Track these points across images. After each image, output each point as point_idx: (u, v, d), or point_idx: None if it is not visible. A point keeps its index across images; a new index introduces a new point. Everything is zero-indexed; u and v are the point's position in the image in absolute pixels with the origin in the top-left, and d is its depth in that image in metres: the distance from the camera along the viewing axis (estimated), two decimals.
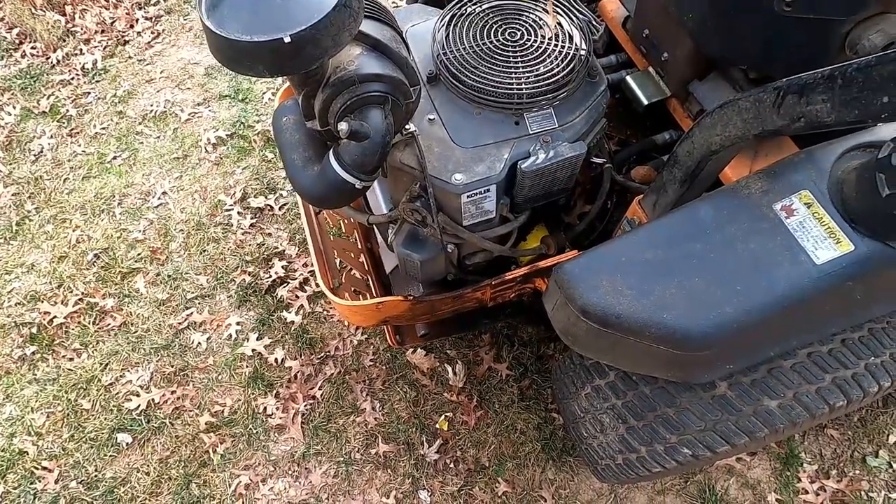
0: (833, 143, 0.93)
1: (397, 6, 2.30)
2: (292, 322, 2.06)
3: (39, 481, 1.80)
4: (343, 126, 0.82)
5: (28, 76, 2.71)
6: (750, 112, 0.82)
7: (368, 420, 1.90)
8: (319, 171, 0.91)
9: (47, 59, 2.76)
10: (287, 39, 0.66)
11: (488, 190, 1.11)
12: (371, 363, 2.00)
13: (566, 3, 1.25)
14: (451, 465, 1.84)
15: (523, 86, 1.11)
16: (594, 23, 1.63)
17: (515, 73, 1.13)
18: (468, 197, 1.10)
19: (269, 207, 2.31)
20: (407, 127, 1.07)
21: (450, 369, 1.96)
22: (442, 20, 1.22)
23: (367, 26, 0.85)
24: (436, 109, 1.16)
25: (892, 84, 0.58)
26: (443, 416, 1.90)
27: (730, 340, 0.92)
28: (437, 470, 1.83)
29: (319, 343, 2.04)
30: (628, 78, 1.51)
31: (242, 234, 2.25)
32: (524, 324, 2.00)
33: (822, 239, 0.87)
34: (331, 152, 0.90)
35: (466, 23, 1.20)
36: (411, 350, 1.99)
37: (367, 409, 1.91)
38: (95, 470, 1.83)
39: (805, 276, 0.86)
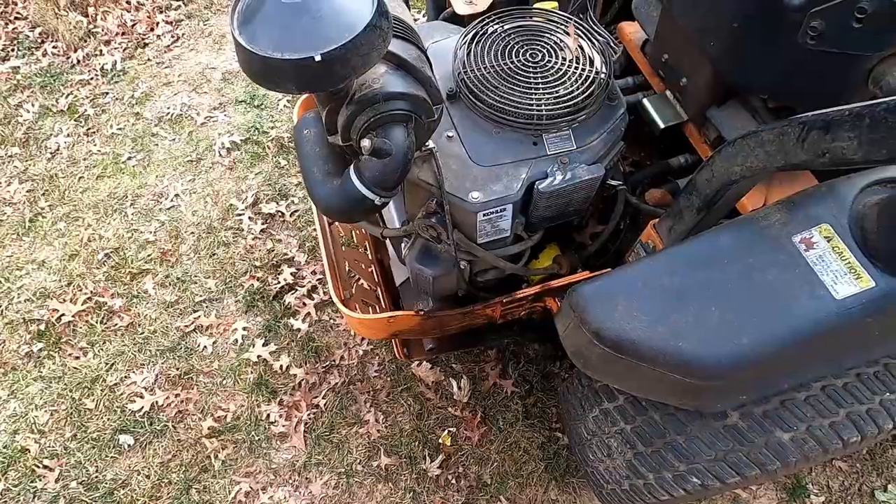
0: (854, 177, 0.93)
1: (416, 20, 2.33)
2: (299, 329, 2.06)
3: (40, 480, 1.80)
4: (366, 143, 0.83)
5: (48, 75, 2.74)
6: (773, 144, 0.82)
7: (371, 432, 1.89)
8: (339, 186, 0.92)
9: (68, 58, 2.79)
10: (318, 58, 0.67)
11: (504, 209, 1.11)
12: (376, 374, 1.99)
13: (587, 27, 1.26)
14: (453, 481, 1.82)
15: (543, 107, 1.11)
16: (612, 44, 1.64)
17: (535, 94, 1.13)
18: (484, 215, 1.11)
19: (280, 214, 2.32)
20: (427, 144, 1.08)
21: (455, 384, 1.95)
22: (464, 38, 1.23)
23: (394, 45, 0.86)
24: (455, 127, 1.16)
25: None
26: (446, 431, 1.89)
27: (745, 371, 0.91)
28: (439, 485, 1.82)
29: (325, 352, 2.03)
30: (645, 101, 1.51)
31: (253, 239, 2.26)
32: (531, 341, 1.99)
33: (842, 274, 0.86)
34: (352, 168, 0.90)
35: (488, 42, 1.21)
36: (416, 363, 1.98)
37: (370, 421, 1.90)
38: (96, 471, 1.82)
39: (824, 310, 0.85)
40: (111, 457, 1.84)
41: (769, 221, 0.93)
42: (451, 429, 1.90)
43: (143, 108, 2.64)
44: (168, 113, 2.62)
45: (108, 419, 1.90)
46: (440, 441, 1.88)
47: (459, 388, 1.95)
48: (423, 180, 1.11)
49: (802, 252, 0.90)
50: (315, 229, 1.81)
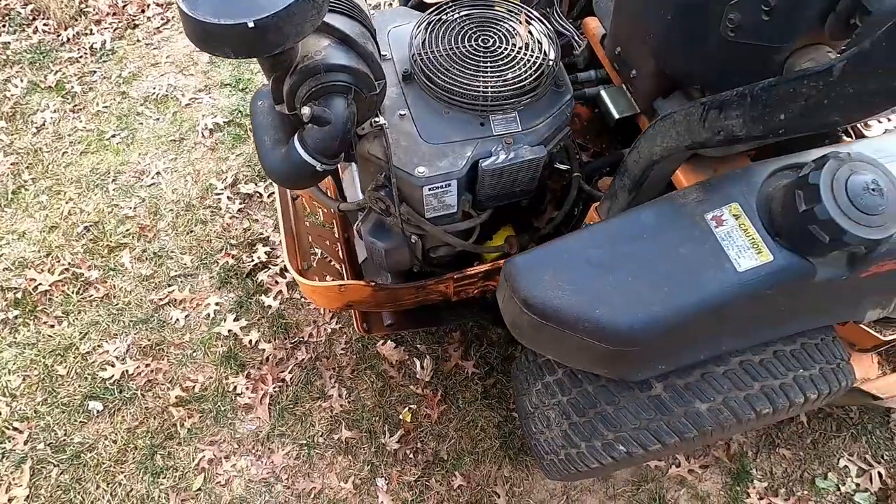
0: (767, 162, 1.00)
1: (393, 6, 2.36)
2: (270, 306, 2.12)
3: (9, 441, 1.85)
4: (306, 110, 0.89)
5: (38, 51, 2.79)
6: (682, 125, 0.88)
7: (334, 406, 1.95)
8: (285, 153, 0.98)
9: (58, 36, 2.84)
10: (251, 25, 0.73)
11: (449, 185, 1.18)
12: (342, 351, 2.05)
13: (538, 16, 1.32)
14: (411, 456, 1.89)
15: (490, 89, 1.18)
16: (577, 38, 1.71)
17: (484, 76, 1.20)
18: (430, 190, 1.17)
19: (258, 194, 2.38)
20: (377, 119, 1.14)
21: (418, 363, 2.02)
22: (422, 23, 1.30)
23: (338, 20, 0.92)
24: (408, 106, 1.23)
25: (787, 103, 0.64)
26: (407, 408, 1.95)
27: (658, 338, 0.97)
28: (397, 459, 1.88)
29: (294, 328, 2.09)
30: (602, 92, 1.57)
31: (230, 218, 2.32)
32: (492, 324, 2.05)
33: (745, 248, 0.93)
34: (296, 135, 0.97)
35: (443, 28, 1.27)
36: (381, 342, 2.05)
37: (333, 396, 1.96)
38: (65, 434, 1.88)
39: (727, 281, 0.92)
40: (80, 421, 1.90)
41: (686, 200, 1.00)
42: (411, 406, 1.96)
43: (130, 88, 2.69)
44: (154, 93, 2.67)
45: (79, 385, 1.96)
46: (401, 417, 1.94)
47: (422, 367, 2.01)
48: (373, 154, 1.17)
49: (713, 228, 0.96)
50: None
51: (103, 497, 1.79)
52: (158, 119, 2.60)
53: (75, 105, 2.63)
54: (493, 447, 1.90)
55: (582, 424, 1.27)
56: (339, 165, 1.47)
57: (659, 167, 1.02)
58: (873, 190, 0.84)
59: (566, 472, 1.39)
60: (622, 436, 1.20)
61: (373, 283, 1.30)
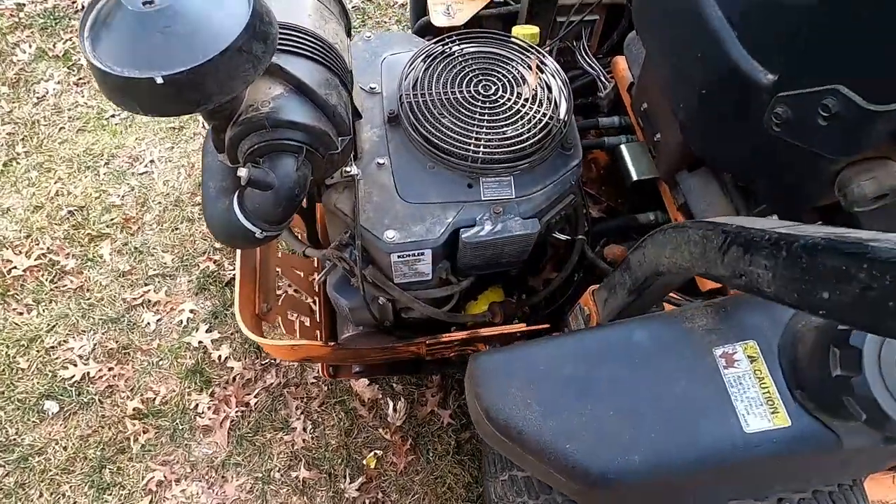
0: None
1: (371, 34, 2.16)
2: None
3: None
4: (243, 172, 0.73)
5: (51, 17, 2.70)
6: (698, 247, 0.70)
7: (296, 440, 1.82)
8: (225, 210, 0.83)
9: (74, 2, 2.74)
10: (159, 80, 0.58)
11: (423, 253, 1.01)
12: (313, 381, 1.92)
13: (555, 62, 1.14)
14: None
15: (482, 148, 1.01)
16: (603, 79, 1.52)
17: (478, 131, 1.02)
18: (399, 257, 1.01)
19: None
20: (347, 169, 0.98)
21: (391, 404, 1.87)
22: (419, 56, 1.13)
23: (296, 65, 0.76)
24: (388, 154, 1.06)
25: (834, 281, 0.47)
26: (372, 453, 1.82)
27: (637, 489, 0.80)
28: None
29: None
30: (623, 147, 1.39)
31: None
32: None
33: (757, 403, 0.75)
34: (235, 195, 0.82)
35: (442, 65, 1.10)
36: (355, 378, 1.91)
37: (297, 429, 1.84)
38: (16, 433, 1.80)
39: (728, 441, 0.74)
40: (33, 421, 1.82)
41: (693, 324, 0.82)
42: (378, 451, 1.82)
43: None
44: None
45: (38, 382, 1.87)
46: (364, 462, 1.81)
47: (395, 410, 1.87)
48: (339, 209, 1.02)
49: (721, 368, 0.78)
50: None
51: None
52: None
53: (80, 78, 2.53)
54: None
55: None
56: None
57: (665, 279, 0.84)
58: None
59: None
60: None
61: (331, 344, 1.15)
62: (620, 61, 1.50)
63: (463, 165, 1.02)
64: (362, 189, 1.02)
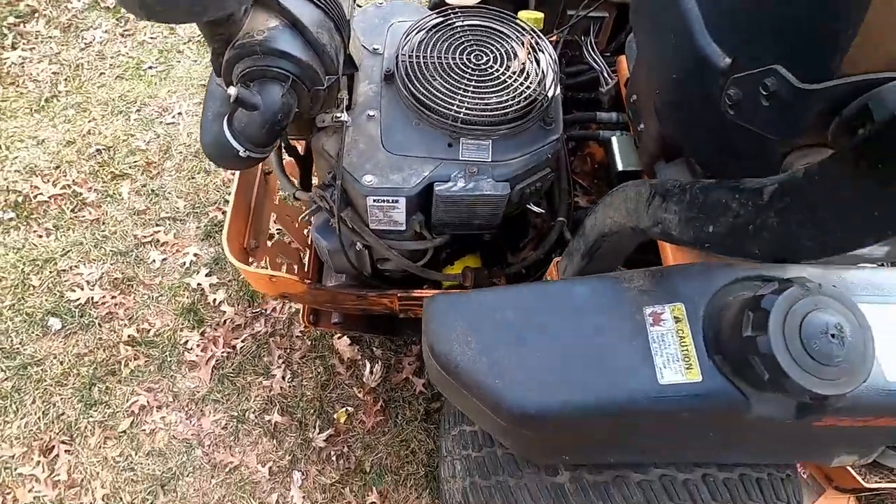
0: (734, 266, 0.86)
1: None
2: None
3: None
4: (232, 90, 0.82)
5: None
6: (631, 202, 0.76)
7: (274, 387, 1.91)
8: (218, 130, 0.92)
9: None
10: None
11: (397, 201, 1.09)
12: (299, 335, 2.01)
13: (551, 48, 1.20)
14: (334, 459, 1.83)
15: (464, 109, 1.08)
16: (606, 75, 1.57)
17: (463, 94, 1.09)
18: (374, 201, 1.08)
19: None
20: (339, 115, 1.06)
21: (368, 366, 1.95)
22: (425, 24, 1.21)
23: (295, 4, 0.85)
24: (380, 108, 1.14)
25: (717, 215, 0.51)
26: (344, 409, 1.89)
27: (555, 429, 0.86)
28: (320, 458, 1.82)
29: (260, 299, 2.07)
30: (614, 139, 1.44)
31: (232, 173, 2.31)
32: None
33: (675, 359, 0.80)
34: (227, 114, 0.90)
35: (440, 34, 1.18)
36: (339, 336, 1.99)
37: (276, 376, 1.92)
38: (20, 342, 1.92)
39: (642, 390, 0.79)
40: (36, 335, 1.94)
41: (630, 285, 0.87)
42: (349, 408, 1.90)
43: (179, 26, 2.72)
44: (199, 36, 2.69)
45: (46, 300, 2.00)
46: (335, 416, 1.88)
47: (371, 372, 1.94)
48: (326, 151, 1.10)
49: (648, 325, 0.83)
50: None
51: (35, 413, 1.82)
52: (196, 61, 2.62)
53: (125, 30, 2.69)
54: (418, 473, 1.82)
55: (481, 488, 1.16)
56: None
57: (611, 241, 0.89)
58: (833, 336, 0.70)
59: None
60: None
61: (307, 281, 1.23)
62: (623, 60, 1.55)
63: (445, 124, 1.09)
64: (350, 136, 1.10)
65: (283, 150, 1.30)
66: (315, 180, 1.41)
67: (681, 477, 1.01)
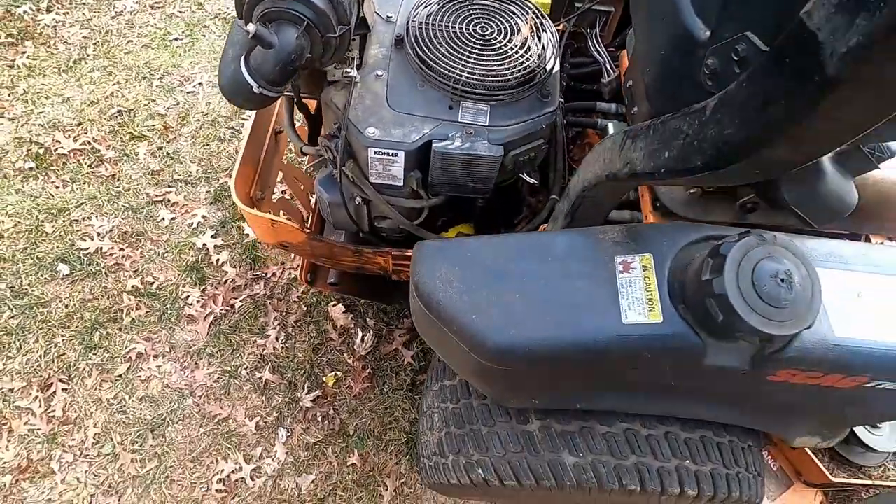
0: (701, 226, 0.92)
1: None
2: (248, 235, 2.17)
3: None
4: (251, 27, 0.90)
5: None
6: (608, 152, 0.82)
7: (267, 346, 1.97)
8: (236, 67, 1.00)
9: None
10: None
11: (396, 154, 1.16)
12: (296, 300, 2.08)
13: (554, 28, 1.27)
14: (319, 419, 1.88)
15: (465, 73, 1.15)
16: (608, 67, 1.64)
17: (466, 60, 1.17)
18: (375, 153, 1.15)
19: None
20: (348, 71, 1.14)
21: (360, 335, 2.01)
22: None
23: None
24: (388, 70, 1.22)
25: (672, 140, 0.57)
26: (333, 373, 1.95)
27: (524, 365, 0.91)
28: (305, 417, 1.88)
29: (261, 263, 2.14)
30: (610, 125, 1.50)
31: None
32: None
33: (639, 303, 0.86)
34: (245, 52, 0.98)
35: (450, 6, 1.25)
36: (334, 302, 2.05)
37: (270, 336, 1.99)
38: (28, 284, 2.00)
39: (607, 329, 0.85)
40: (45, 278, 2.02)
41: (604, 237, 0.93)
42: (338, 372, 1.96)
43: (207, 2, 2.83)
44: (226, 13, 2.80)
45: (57, 246, 2.08)
46: (324, 379, 1.94)
47: (363, 340, 2.00)
48: (334, 103, 1.17)
49: (617, 273, 0.89)
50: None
51: (37, 351, 1.89)
52: (220, 37, 2.72)
53: (156, 2, 2.80)
54: (399, 440, 1.87)
55: (456, 436, 1.21)
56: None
57: (591, 197, 0.96)
58: (782, 280, 0.75)
59: (433, 481, 1.33)
60: (484, 460, 1.14)
61: (307, 231, 1.30)
62: (626, 54, 1.62)
63: (447, 87, 1.16)
64: (357, 92, 1.17)
65: (296, 107, 1.37)
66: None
67: (644, 432, 1.06)
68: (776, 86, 0.44)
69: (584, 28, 1.69)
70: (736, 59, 0.81)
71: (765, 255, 0.77)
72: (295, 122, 1.44)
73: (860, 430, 1.71)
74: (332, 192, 1.31)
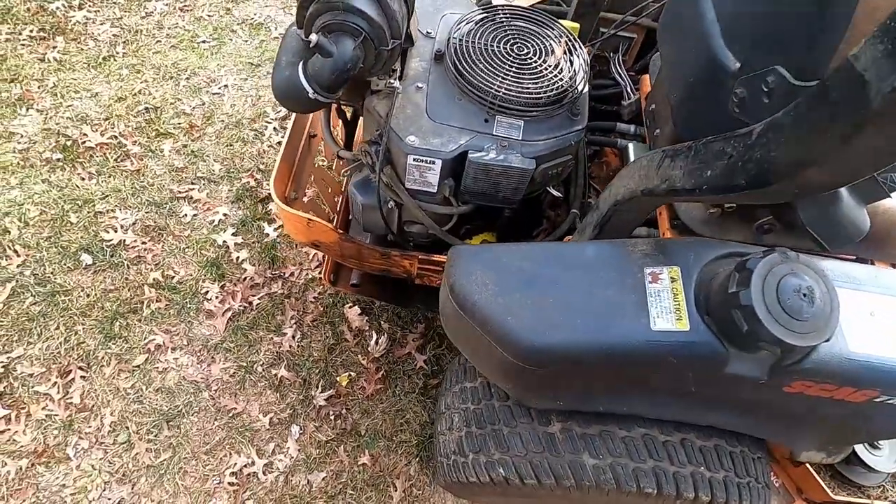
0: (725, 243, 0.98)
1: None
2: (268, 234, 2.22)
3: (5, 259, 2.03)
4: (314, 37, 0.96)
5: None
6: (643, 170, 0.88)
7: (284, 344, 2.01)
8: (290, 74, 1.06)
9: None
10: None
11: (434, 162, 1.22)
12: (313, 300, 2.12)
13: (584, 50, 1.34)
14: (332, 418, 1.92)
15: (502, 89, 1.21)
16: (629, 90, 1.72)
17: (503, 77, 1.24)
18: (414, 160, 1.21)
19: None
20: (392, 81, 1.20)
21: (375, 337, 2.05)
22: (474, 16, 1.35)
23: None
24: (428, 82, 1.28)
25: (715, 159, 0.63)
26: (347, 373, 1.99)
27: (555, 365, 0.96)
28: (318, 415, 1.92)
29: (280, 263, 2.19)
30: (630, 145, 1.57)
31: (268, 146, 2.46)
32: None
33: (668, 311, 0.91)
34: (302, 61, 1.04)
35: (488, 26, 1.32)
36: (350, 304, 2.10)
37: (287, 335, 2.03)
38: (52, 272, 2.04)
39: (636, 334, 0.90)
40: (68, 267, 2.06)
41: (634, 249, 0.99)
42: (352, 373, 1.99)
43: (235, 7, 2.91)
44: (253, 18, 2.88)
45: (81, 236, 2.12)
46: (338, 379, 1.98)
47: (377, 342, 2.04)
48: (377, 111, 1.23)
49: (647, 283, 0.95)
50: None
51: (58, 338, 1.93)
52: (247, 41, 2.80)
53: (185, 5, 2.88)
54: (410, 442, 1.90)
55: (477, 436, 1.26)
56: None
57: (622, 211, 1.02)
58: (804, 295, 0.81)
59: (449, 480, 1.37)
60: (506, 459, 1.18)
61: (340, 231, 1.36)
62: (646, 79, 1.70)
63: (484, 101, 1.23)
64: (399, 101, 1.24)
65: (335, 113, 1.43)
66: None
67: (661, 438, 1.11)
68: (822, 116, 0.50)
69: (607, 52, 1.77)
70: (766, 90, 0.88)
71: (788, 272, 0.83)
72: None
73: (861, 450, 1.77)
74: (367, 195, 1.36)
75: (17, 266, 2.03)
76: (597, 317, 0.94)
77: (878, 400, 0.94)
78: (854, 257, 1.33)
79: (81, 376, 1.88)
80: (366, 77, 1.17)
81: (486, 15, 1.36)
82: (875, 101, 0.43)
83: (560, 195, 1.40)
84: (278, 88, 1.07)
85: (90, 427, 1.80)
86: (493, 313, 0.99)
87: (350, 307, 2.09)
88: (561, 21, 1.52)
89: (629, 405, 1.06)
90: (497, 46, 1.28)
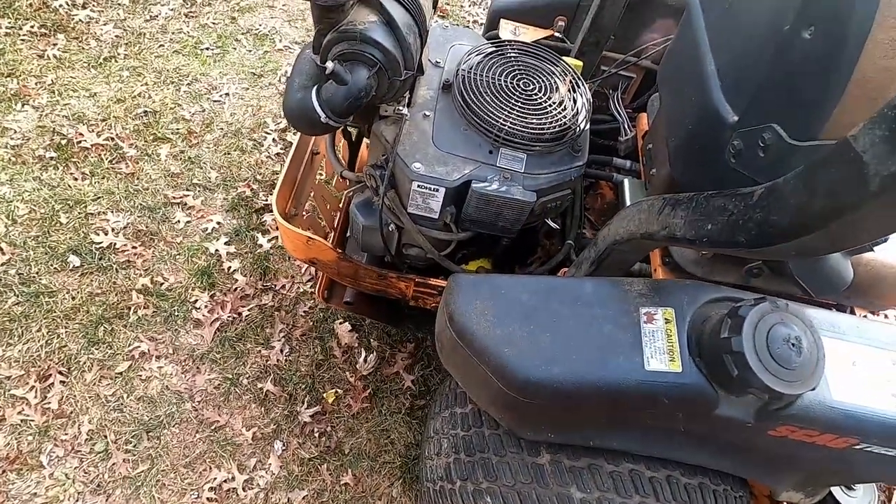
0: (719, 287, 1.01)
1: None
2: (261, 245, 2.22)
3: None
4: (330, 64, 0.98)
5: None
6: (645, 213, 0.92)
7: (271, 357, 2.00)
8: (303, 97, 1.07)
9: None
10: None
11: (437, 190, 1.24)
12: (303, 314, 2.11)
13: (587, 88, 1.39)
14: (316, 435, 1.90)
15: (507, 123, 1.25)
16: (627, 126, 1.77)
17: (509, 111, 1.27)
18: (418, 186, 1.23)
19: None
20: (400, 108, 1.23)
21: (364, 354, 2.05)
22: (483, 49, 1.39)
23: (392, 6, 1.02)
24: (435, 110, 1.31)
25: (716, 214, 0.67)
26: (334, 390, 1.98)
27: (549, 398, 0.98)
28: (303, 432, 1.90)
29: (272, 275, 2.18)
30: (626, 181, 1.62)
31: (266, 157, 2.46)
32: None
33: (661, 352, 0.94)
34: (316, 85, 1.06)
35: (496, 60, 1.36)
36: (340, 320, 2.09)
37: (275, 348, 2.02)
38: (37, 273, 2.00)
39: (630, 373, 0.93)
40: (55, 268, 2.03)
41: (630, 288, 1.02)
42: (339, 390, 1.99)
43: (240, 17, 2.93)
44: (258, 29, 2.90)
45: (70, 237, 2.10)
46: (324, 395, 1.97)
47: (366, 360, 2.04)
48: (384, 136, 1.25)
49: (642, 322, 0.98)
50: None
51: (39, 340, 1.89)
52: (251, 51, 2.82)
53: (190, 11, 2.89)
54: (394, 463, 1.89)
55: (465, 463, 1.26)
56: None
57: (620, 250, 1.05)
58: (793, 344, 0.84)
59: None
60: (493, 488, 1.19)
61: (339, 251, 1.37)
62: (643, 117, 1.76)
63: (489, 133, 1.26)
64: (406, 128, 1.26)
65: (341, 135, 1.45)
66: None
67: (648, 474, 1.13)
68: (820, 189, 0.54)
69: (607, 89, 1.83)
70: (762, 145, 0.92)
71: (778, 321, 0.86)
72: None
73: (836, 491, 1.80)
74: (368, 216, 1.38)
75: (2, 264, 1.99)
76: (592, 353, 0.96)
77: (857, 447, 0.97)
78: (834, 303, 1.38)
79: (61, 381, 1.84)
80: (376, 104, 1.20)
81: (495, 49, 1.40)
82: (873, 183, 0.47)
83: (558, 227, 1.43)
84: (290, 111, 1.09)
85: (66, 434, 1.76)
86: (491, 344, 1.01)
87: (340, 323, 2.09)
88: (566, 59, 1.56)
89: (619, 441, 1.08)
90: (504, 81, 1.32)
